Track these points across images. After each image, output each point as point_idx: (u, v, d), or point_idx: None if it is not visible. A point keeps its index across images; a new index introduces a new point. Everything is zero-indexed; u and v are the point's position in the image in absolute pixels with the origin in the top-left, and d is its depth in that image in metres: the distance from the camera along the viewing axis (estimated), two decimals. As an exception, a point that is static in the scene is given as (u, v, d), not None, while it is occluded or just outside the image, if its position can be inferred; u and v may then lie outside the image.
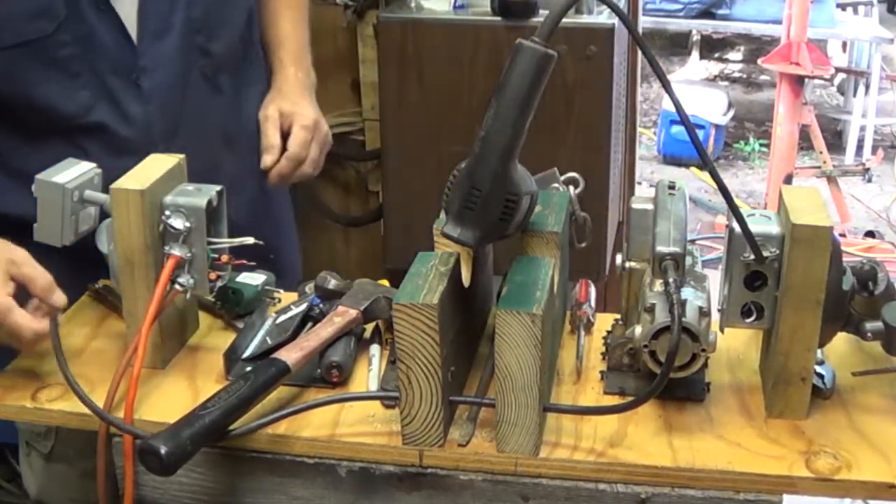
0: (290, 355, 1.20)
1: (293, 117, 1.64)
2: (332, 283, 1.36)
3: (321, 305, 1.34)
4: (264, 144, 1.63)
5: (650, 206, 1.21)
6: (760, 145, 6.01)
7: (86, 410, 1.20)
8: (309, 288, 1.41)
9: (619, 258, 1.24)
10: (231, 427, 1.12)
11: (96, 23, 1.45)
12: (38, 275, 1.23)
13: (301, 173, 1.66)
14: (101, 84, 1.49)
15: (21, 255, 1.24)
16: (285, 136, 1.64)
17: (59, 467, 1.61)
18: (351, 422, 1.17)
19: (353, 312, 1.29)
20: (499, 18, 2.32)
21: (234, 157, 1.68)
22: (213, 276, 1.27)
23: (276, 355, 1.20)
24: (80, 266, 1.37)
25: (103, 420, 1.17)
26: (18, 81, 1.44)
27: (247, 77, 1.71)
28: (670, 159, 5.83)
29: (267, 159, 1.62)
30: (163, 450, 1.04)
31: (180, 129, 1.57)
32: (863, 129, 5.75)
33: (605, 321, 1.34)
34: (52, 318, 1.24)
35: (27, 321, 1.21)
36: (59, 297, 1.24)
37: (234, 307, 1.38)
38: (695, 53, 7.49)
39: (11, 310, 1.20)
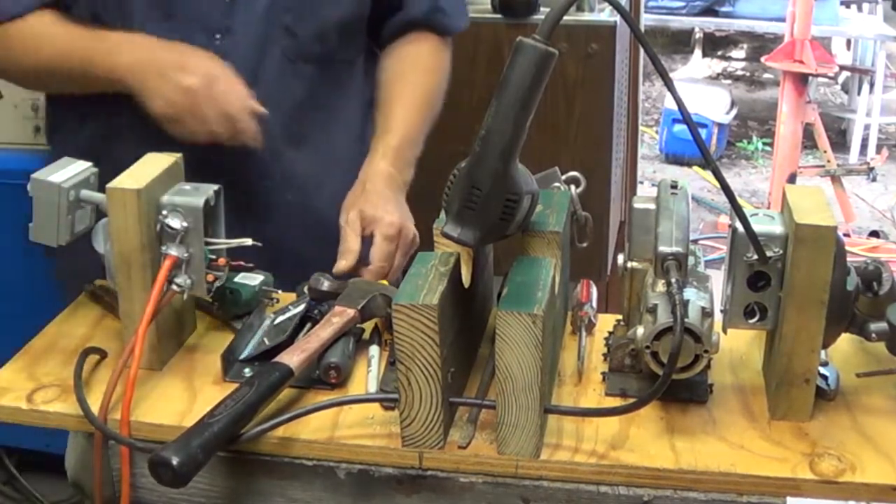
0: (292, 358, 1.19)
1: (375, 224, 1.48)
2: (326, 284, 1.35)
3: (320, 306, 1.33)
4: (341, 248, 1.47)
5: (652, 206, 1.21)
6: (764, 144, 6.01)
7: (83, 412, 1.19)
8: (306, 289, 1.40)
9: (620, 258, 1.23)
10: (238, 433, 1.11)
11: None
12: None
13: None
14: (188, 34, 1.50)
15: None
16: (367, 240, 1.50)
17: None
18: (350, 424, 1.16)
19: (350, 312, 1.28)
20: (499, 16, 2.32)
21: (299, 155, 1.62)
22: (210, 276, 1.25)
23: (278, 359, 1.19)
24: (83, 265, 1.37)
25: (119, 441, 1.16)
26: (117, 10, 1.49)
27: (342, 87, 1.65)
28: (672, 158, 5.83)
29: (341, 264, 1.45)
30: (175, 461, 1.02)
31: None
32: (867, 127, 5.75)
33: (606, 322, 1.34)
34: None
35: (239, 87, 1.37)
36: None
37: (232, 308, 1.37)
38: (697, 51, 7.49)
39: (219, 78, 1.36)
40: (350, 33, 1.63)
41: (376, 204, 1.51)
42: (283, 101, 1.57)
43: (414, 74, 1.66)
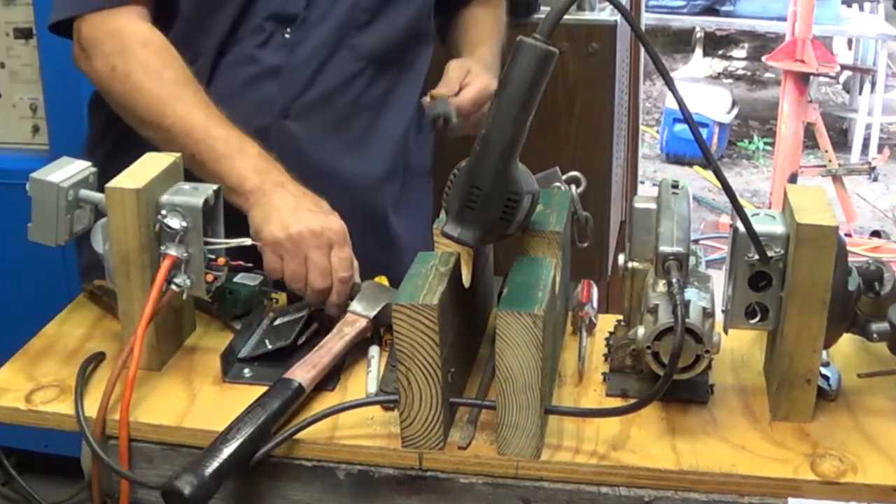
0: (305, 375, 1.18)
1: (479, 79, 1.58)
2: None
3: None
4: (444, 80, 1.58)
5: (653, 206, 1.20)
6: (765, 144, 6.00)
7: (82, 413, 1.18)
8: None
9: (621, 258, 1.23)
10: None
11: None
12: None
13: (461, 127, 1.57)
14: (258, 23, 1.51)
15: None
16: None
17: None
18: (350, 424, 1.16)
19: (362, 322, 1.28)
20: (500, 15, 2.31)
21: (349, 151, 1.62)
22: (209, 276, 1.25)
23: (289, 375, 1.18)
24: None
25: (119, 475, 1.16)
26: None
27: (399, 91, 1.66)
28: (673, 158, 5.83)
29: (439, 89, 1.56)
30: (187, 490, 1.02)
31: (304, 96, 1.55)
32: (868, 127, 5.74)
33: (607, 322, 1.33)
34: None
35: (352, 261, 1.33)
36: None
37: (231, 308, 1.37)
38: (698, 51, 7.49)
39: (343, 245, 1.33)
40: (416, 35, 1.66)
41: (481, 71, 1.60)
42: (341, 98, 1.58)
43: (484, 26, 1.78)
